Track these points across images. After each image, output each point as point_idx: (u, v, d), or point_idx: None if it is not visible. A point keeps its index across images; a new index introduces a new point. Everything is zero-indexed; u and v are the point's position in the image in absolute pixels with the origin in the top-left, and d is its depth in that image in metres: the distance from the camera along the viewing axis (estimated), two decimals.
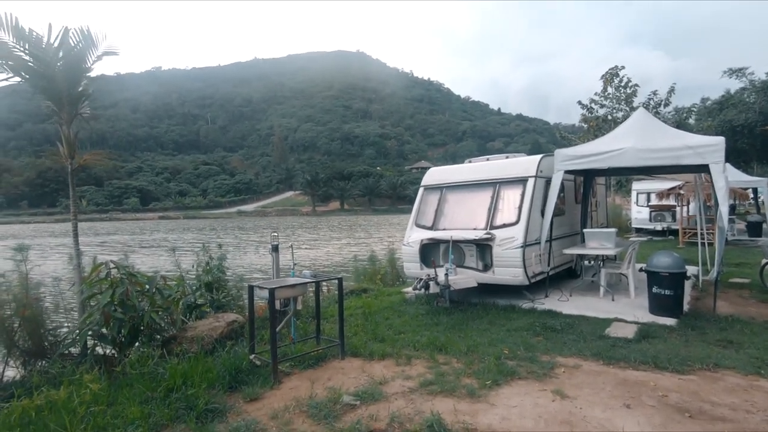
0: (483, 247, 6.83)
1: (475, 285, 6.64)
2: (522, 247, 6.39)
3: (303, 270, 4.56)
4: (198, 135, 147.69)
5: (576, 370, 4.07)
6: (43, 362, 4.31)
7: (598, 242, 7.04)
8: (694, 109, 25.60)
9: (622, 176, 10.57)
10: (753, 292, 7.01)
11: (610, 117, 21.08)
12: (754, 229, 15.85)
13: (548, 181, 7.22)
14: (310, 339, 4.82)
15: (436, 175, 8.11)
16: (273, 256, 5.68)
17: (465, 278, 6.63)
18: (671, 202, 16.62)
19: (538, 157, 7.13)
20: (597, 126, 20.89)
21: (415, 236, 7.39)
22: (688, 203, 15.54)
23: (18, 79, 4.23)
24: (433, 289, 6.29)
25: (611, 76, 21.73)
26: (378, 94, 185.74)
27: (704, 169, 5.86)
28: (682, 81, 20.72)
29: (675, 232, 16.17)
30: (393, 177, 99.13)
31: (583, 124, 23.41)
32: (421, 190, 8.16)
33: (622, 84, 21.32)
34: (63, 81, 4.09)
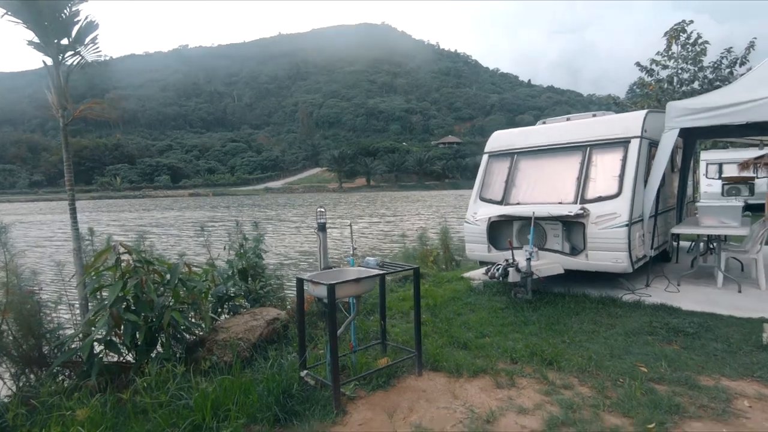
0: (571, 225, 5.54)
1: (562, 272, 5.39)
2: (627, 225, 5.06)
3: (366, 258, 3.43)
4: (225, 112, 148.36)
5: (764, 402, 2.83)
6: (42, 372, 3.39)
7: (718, 219, 5.62)
8: None
9: (736, 138, 8.68)
10: None
11: (675, 79, 18.80)
12: None
13: (652, 144, 5.80)
14: (373, 345, 3.73)
15: (503, 139, 6.77)
16: (320, 236, 4.57)
17: (550, 264, 5.38)
18: (749, 173, 14.67)
19: (643, 112, 5.68)
20: (661, 90, 18.69)
21: (483, 212, 6.15)
22: None
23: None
24: (513, 277, 5.08)
25: (676, 32, 19.27)
26: (403, 68, 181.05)
27: None
28: (736, 47, 18.27)
29: (753, 208, 14.28)
30: (419, 152, 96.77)
31: (636, 90, 21.13)
32: (485, 157, 6.85)
33: (690, 41, 18.91)
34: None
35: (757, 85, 4.98)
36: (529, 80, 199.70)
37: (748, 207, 15.32)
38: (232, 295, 4.36)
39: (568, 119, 6.64)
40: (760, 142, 8.54)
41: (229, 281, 4.34)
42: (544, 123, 6.90)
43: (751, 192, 15.62)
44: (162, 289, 3.50)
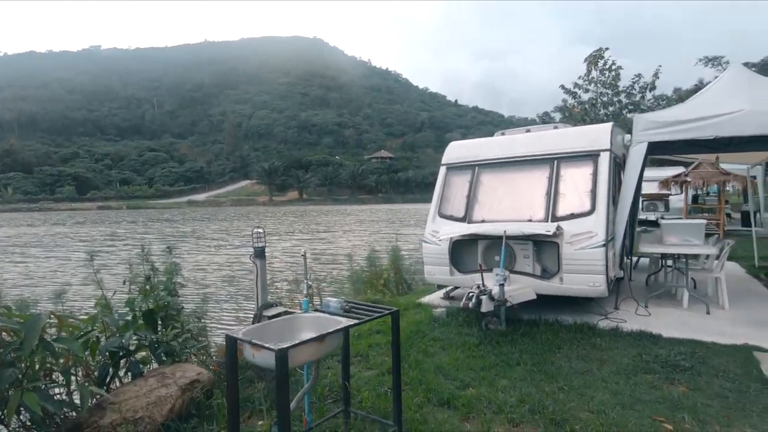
0: (542, 245, 5.03)
1: (534, 297, 4.84)
2: (604, 245, 4.64)
3: (326, 299, 2.51)
4: (143, 120, 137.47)
5: None
6: None
7: (681, 237, 5.44)
8: (674, 97, 25.29)
9: (691, 155, 8.69)
10: None
11: (599, 102, 20.05)
12: (748, 218, 15.34)
13: (616, 159, 5.54)
14: (334, 415, 2.78)
15: (463, 150, 6.20)
16: (257, 265, 3.58)
17: (522, 289, 4.80)
18: (665, 191, 15.79)
19: (609, 125, 5.39)
20: (584, 111, 19.81)
21: (446, 230, 5.46)
22: (687, 192, 14.71)
23: None
24: (486, 306, 4.41)
25: (595, 58, 20.70)
26: (336, 82, 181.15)
27: None
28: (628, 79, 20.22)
29: None
30: (353, 166, 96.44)
31: (556, 115, 22.32)
32: (443, 170, 6.23)
33: (606, 67, 20.35)
34: None
35: (722, 100, 4.86)
36: (456, 100, 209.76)
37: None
38: (133, 348, 3.17)
39: (528, 131, 6.24)
40: (717, 158, 8.89)
41: (128, 330, 3.15)
42: (502, 134, 6.45)
43: (666, 208, 16.83)
44: (12, 355, 2.30)
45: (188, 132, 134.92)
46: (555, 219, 4.98)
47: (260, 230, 3.56)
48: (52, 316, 2.53)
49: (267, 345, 1.90)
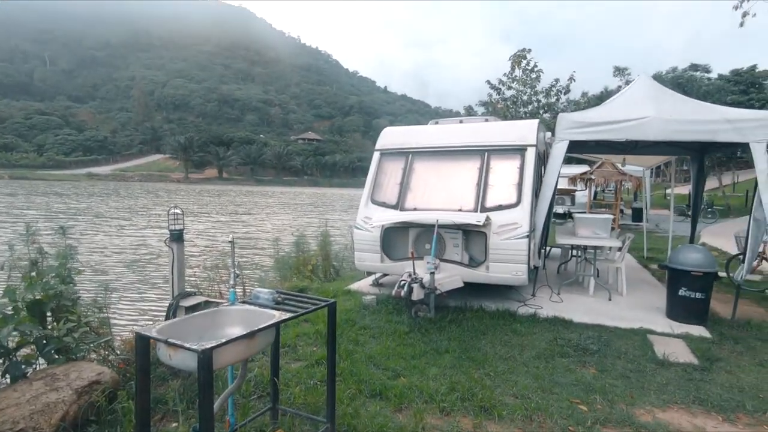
0: (471, 234, 5.16)
1: (462, 285, 4.97)
2: (527, 236, 4.87)
3: (255, 290, 2.28)
4: (32, 78, 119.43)
5: None
6: None
7: (591, 230, 5.92)
8: (584, 101, 27.64)
9: (607, 153, 9.41)
10: (721, 286, 6.65)
11: (517, 100, 21.24)
12: (638, 214, 17.46)
13: (539, 154, 5.84)
14: (261, 413, 2.58)
15: (398, 136, 6.14)
16: (173, 250, 3.21)
17: (451, 277, 4.90)
18: (572, 187, 17.32)
19: (536, 121, 5.65)
20: (507, 108, 20.89)
21: (378, 217, 5.38)
22: (591, 188, 16.26)
23: None
24: (417, 294, 4.42)
25: (519, 58, 21.86)
26: (262, 57, 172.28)
27: (738, 147, 4.98)
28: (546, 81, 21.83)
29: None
30: (278, 146, 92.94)
31: (480, 108, 23.31)
32: (376, 155, 6.12)
33: (529, 68, 21.61)
34: None
35: (633, 106, 5.31)
36: (386, 87, 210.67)
37: (570, 215, 18.12)
38: (12, 347, 2.67)
39: (461, 122, 6.35)
40: (623, 160, 9.75)
41: (6, 325, 2.64)
42: (436, 123, 6.50)
43: (573, 202, 18.48)
44: None
45: (89, 96, 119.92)
46: (484, 209, 5.12)
47: (178, 211, 3.18)
48: None
49: (187, 345, 1.66)
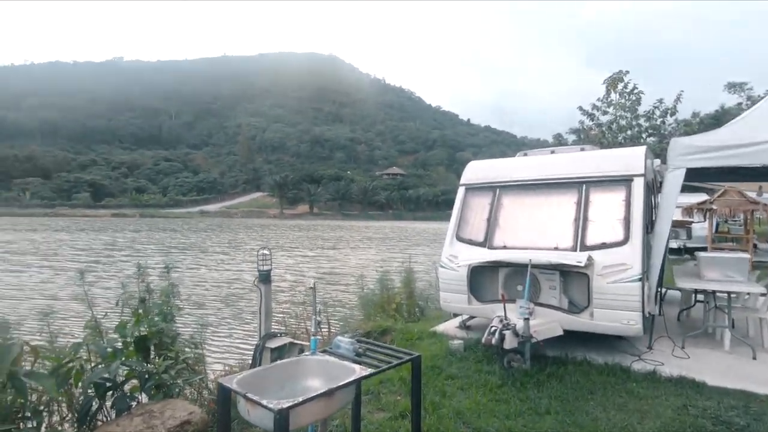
0: (569, 276, 4.64)
1: (561, 333, 4.44)
2: (640, 279, 4.24)
3: (336, 338, 2.18)
4: (160, 130, 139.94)
5: None
6: None
7: (722, 272, 5.01)
8: (696, 122, 24.81)
9: (733, 181, 8.38)
10: None
11: (615, 125, 19.67)
12: None
13: (648, 184, 5.16)
14: None
15: (484, 170, 5.88)
16: (260, 290, 3.26)
17: (549, 324, 4.41)
18: (687, 218, 15.25)
19: (643, 148, 5.04)
20: (602, 134, 19.43)
21: (465, 255, 5.11)
22: (712, 220, 14.16)
23: None
24: (510, 342, 4.02)
25: (615, 81, 20.39)
26: (349, 98, 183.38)
27: None
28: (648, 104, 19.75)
29: (691, 251, 14.71)
30: (364, 182, 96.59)
31: (570, 137, 21.88)
32: (461, 190, 5.90)
33: (627, 90, 20.02)
34: None
35: (754, 129, 4.49)
36: (468, 119, 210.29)
37: (687, 250, 15.88)
38: (121, 380, 2.86)
39: (552, 152, 5.92)
40: (759, 188, 8.45)
41: (115, 359, 2.84)
42: (525, 154, 6.13)
43: (689, 236, 16.24)
44: None
45: (203, 143, 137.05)
46: (584, 248, 4.60)
47: (266, 252, 3.26)
48: (26, 346, 2.23)
49: (264, 402, 1.57)
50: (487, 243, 5.24)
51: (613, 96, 20.60)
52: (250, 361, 2.98)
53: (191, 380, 3.11)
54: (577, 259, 4.31)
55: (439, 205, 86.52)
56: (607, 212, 4.73)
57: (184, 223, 55.11)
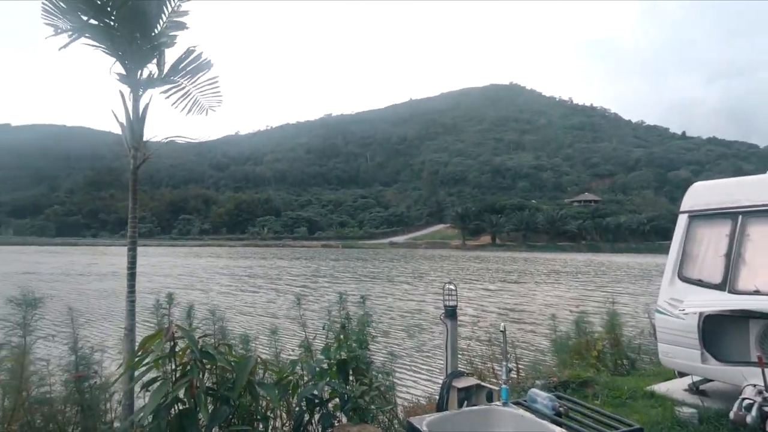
0: None
1: None
2: None
3: (532, 391, 1.94)
4: (358, 171, 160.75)
5: None
6: None
7: None
8: None
9: None
10: None
11: None
12: None
13: None
14: None
15: (717, 193, 4.70)
16: (446, 326, 3.23)
17: None
18: None
19: None
20: None
21: (694, 300, 4.10)
22: None
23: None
24: None
25: None
26: (532, 125, 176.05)
27: None
28: None
29: None
30: (551, 211, 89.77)
31: None
32: (683, 219, 4.82)
33: None
34: (126, 18, 2.44)
35: None
36: (684, 132, 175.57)
37: None
38: (326, 398, 3.18)
39: None
40: None
41: (322, 379, 3.19)
42: None
43: None
44: (224, 393, 2.47)
45: (393, 180, 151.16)
46: None
47: (452, 287, 3.23)
48: (259, 359, 2.68)
49: None
50: (727, 285, 4.09)
51: None
52: (437, 398, 2.94)
53: (383, 408, 3.24)
54: None
55: (645, 235, 73.81)
56: None
57: (375, 253, 60.94)
